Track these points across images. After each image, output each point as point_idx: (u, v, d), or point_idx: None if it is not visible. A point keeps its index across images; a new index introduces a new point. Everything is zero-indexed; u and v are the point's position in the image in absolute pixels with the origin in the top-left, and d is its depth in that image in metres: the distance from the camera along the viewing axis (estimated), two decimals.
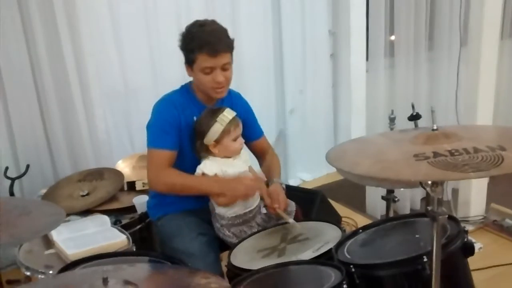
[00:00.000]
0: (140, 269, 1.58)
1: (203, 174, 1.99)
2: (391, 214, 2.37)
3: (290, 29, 3.27)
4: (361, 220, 2.93)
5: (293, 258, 1.71)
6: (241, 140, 2.05)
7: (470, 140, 1.27)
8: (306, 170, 3.58)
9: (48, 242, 1.94)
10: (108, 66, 2.78)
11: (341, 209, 2.97)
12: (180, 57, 2.65)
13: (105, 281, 1.21)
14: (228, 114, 2.00)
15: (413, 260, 1.48)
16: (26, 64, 2.57)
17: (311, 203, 2.67)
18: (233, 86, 2.13)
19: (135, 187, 2.53)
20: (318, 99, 3.49)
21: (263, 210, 2.06)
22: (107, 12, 2.72)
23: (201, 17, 2.07)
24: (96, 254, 1.75)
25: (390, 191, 2.31)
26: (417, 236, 1.72)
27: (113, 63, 2.79)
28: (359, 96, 3.43)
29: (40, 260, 1.84)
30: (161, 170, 1.97)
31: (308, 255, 1.72)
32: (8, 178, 2.45)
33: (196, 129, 2.01)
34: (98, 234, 1.97)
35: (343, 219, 2.90)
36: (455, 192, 3.25)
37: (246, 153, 2.15)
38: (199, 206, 2.07)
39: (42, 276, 1.75)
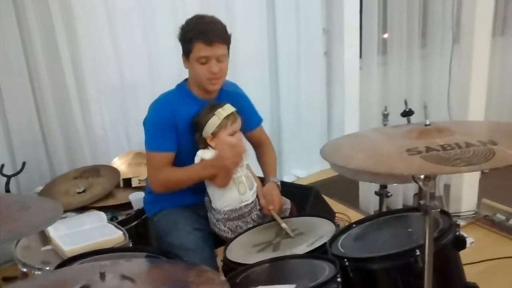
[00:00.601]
0: (137, 264, 1.59)
1: (201, 159, 2.01)
2: (384, 209, 2.40)
3: (285, 27, 3.29)
4: (354, 216, 2.95)
5: (288, 253, 1.73)
6: (238, 136, 2.07)
7: (462, 135, 1.30)
8: (300, 167, 3.61)
9: (45, 239, 1.95)
10: (104, 62, 2.79)
11: (334, 205, 2.99)
12: (176, 53, 2.67)
13: (102, 275, 1.23)
14: (227, 108, 2.02)
15: (405, 254, 1.50)
16: (22, 60, 2.57)
17: (305, 198, 2.69)
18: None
19: (131, 184, 2.54)
20: (312, 96, 3.52)
21: (259, 207, 2.09)
22: (102, 8, 2.72)
23: (196, 13, 2.09)
24: (93, 250, 1.76)
25: (383, 186, 2.34)
26: (409, 230, 1.76)
27: (109, 59, 2.80)
28: (352, 93, 3.46)
29: (37, 257, 1.84)
30: (158, 173, 2.01)
31: (302, 249, 1.75)
32: (4, 175, 2.46)
33: (195, 121, 2.03)
34: (95, 230, 1.98)
35: (336, 214, 2.93)
36: (447, 187, 3.28)
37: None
38: (195, 201, 2.09)
39: (39, 273, 1.76)
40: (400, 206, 3.64)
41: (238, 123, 2.06)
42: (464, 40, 2.98)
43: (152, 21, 2.86)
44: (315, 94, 3.52)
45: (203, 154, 2.01)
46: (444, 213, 1.67)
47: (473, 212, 3.13)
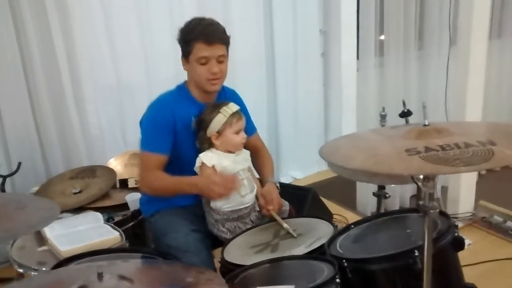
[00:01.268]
0: (134, 264, 1.59)
1: (202, 163, 2.00)
2: (382, 211, 2.39)
3: (282, 28, 3.29)
4: (352, 217, 2.95)
5: (286, 254, 1.73)
6: (243, 134, 2.06)
7: (461, 136, 1.29)
8: (298, 168, 3.60)
9: (41, 239, 1.94)
10: (100, 62, 2.78)
11: (332, 207, 2.99)
12: (173, 53, 2.67)
13: (100, 276, 1.22)
14: (232, 106, 2.03)
15: (404, 254, 1.50)
16: (18, 60, 2.55)
17: (302, 200, 2.68)
18: (225, 84, 2.15)
19: (127, 185, 2.53)
20: (309, 97, 3.52)
21: (258, 208, 2.08)
22: (99, 8, 2.71)
23: (193, 14, 2.10)
24: (90, 250, 1.75)
25: (381, 188, 2.33)
26: (408, 231, 1.75)
27: (105, 59, 2.79)
28: (349, 95, 3.46)
29: (33, 257, 1.83)
30: (149, 174, 2.00)
31: (300, 250, 1.75)
32: None
33: (199, 120, 2.02)
34: (91, 230, 1.97)
35: (334, 216, 2.92)
36: (444, 189, 3.28)
37: (247, 152, 2.16)
38: (192, 202, 2.08)
39: (35, 273, 1.74)
40: (397, 208, 3.63)
41: (243, 121, 2.06)
42: (461, 42, 2.99)
43: (149, 21, 2.85)
44: (312, 95, 3.52)
45: (205, 158, 2.00)
46: (442, 214, 1.67)
47: (470, 214, 3.14)
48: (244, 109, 2.24)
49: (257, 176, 2.23)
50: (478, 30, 2.88)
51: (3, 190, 2.44)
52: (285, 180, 3.49)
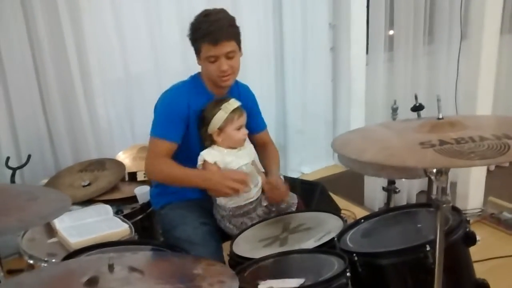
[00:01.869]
0: (144, 256, 1.59)
1: (204, 161, 1.99)
2: (391, 206, 2.38)
3: (291, 21, 3.27)
4: (359, 212, 2.93)
5: (295, 247, 1.72)
6: (244, 130, 2.06)
7: (475, 129, 1.28)
8: (305, 163, 3.59)
9: (51, 231, 1.95)
10: (109, 55, 2.77)
11: (339, 201, 2.98)
12: (181, 46, 2.67)
13: (111, 267, 1.22)
14: (233, 103, 2.02)
15: (416, 249, 1.49)
16: (27, 53, 2.55)
17: (311, 194, 2.68)
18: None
19: (136, 178, 2.53)
20: (317, 92, 3.50)
21: (264, 203, 2.07)
22: (108, 1, 2.70)
23: (202, 6, 2.08)
24: (99, 242, 1.75)
25: (391, 182, 2.32)
26: (418, 226, 1.74)
27: (114, 52, 2.78)
28: (358, 89, 3.44)
29: (43, 249, 1.85)
30: (157, 160, 1.99)
31: (310, 244, 1.74)
32: (9, 168, 2.45)
33: (201, 117, 2.02)
34: (101, 223, 1.98)
35: (342, 211, 2.91)
36: (453, 185, 3.26)
37: (251, 146, 2.16)
38: (201, 195, 2.08)
39: (45, 265, 1.75)
40: (404, 204, 3.62)
41: (244, 118, 2.06)
42: (472, 37, 2.96)
43: (158, 14, 2.84)
44: (321, 90, 3.50)
45: (207, 156, 2.00)
46: (454, 209, 1.66)
47: (479, 210, 3.12)
48: (256, 105, 2.25)
49: (262, 170, 2.22)
50: (490, 25, 2.86)
51: (13, 182, 2.44)
52: (293, 175, 3.48)
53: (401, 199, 3.64)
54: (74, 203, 2.28)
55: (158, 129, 2.01)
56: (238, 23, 2.04)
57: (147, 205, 2.32)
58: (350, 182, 3.35)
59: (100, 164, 2.59)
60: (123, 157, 2.72)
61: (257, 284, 1.47)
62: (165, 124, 2.00)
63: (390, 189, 2.32)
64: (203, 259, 1.50)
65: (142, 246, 1.80)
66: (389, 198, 2.34)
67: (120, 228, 1.93)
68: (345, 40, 3.40)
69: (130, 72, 2.86)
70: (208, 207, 2.08)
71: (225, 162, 2.00)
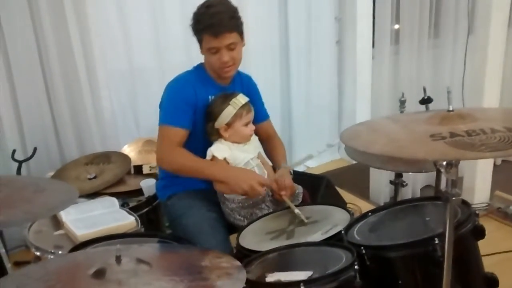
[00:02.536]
0: (151, 249, 1.58)
1: (213, 156, 1.99)
2: (399, 199, 2.37)
3: (296, 15, 3.25)
4: (365, 206, 2.92)
5: (302, 240, 1.71)
6: (252, 126, 2.06)
7: (486, 121, 1.27)
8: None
9: (57, 223, 1.95)
10: (113, 47, 2.77)
11: (345, 195, 2.97)
12: (185, 38, 2.65)
13: (118, 259, 1.22)
14: (241, 98, 2.01)
15: (424, 242, 1.48)
16: (33, 47, 2.55)
17: (316, 188, 2.67)
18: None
19: (142, 171, 2.54)
20: (323, 85, 3.48)
21: (270, 193, 2.06)
22: None
23: None
24: (105, 235, 1.75)
25: (398, 176, 2.31)
26: (426, 219, 1.73)
27: (118, 44, 2.78)
28: (364, 83, 3.42)
29: (49, 241, 1.85)
30: (172, 149, 1.97)
31: (317, 237, 1.73)
32: (15, 160, 2.45)
33: (208, 112, 2.01)
34: (107, 215, 1.98)
35: (347, 205, 2.90)
36: (459, 179, 3.21)
37: (256, 138, 2.15)
38: (207, 186, 2.07)
39: (52, 256, 1.75)
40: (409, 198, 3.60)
41: (252, 114, 2.06)
42: (479, 31, 2.95)
43: (162, 6, 2.84)
44: (326, 83, 3.48)
45: (216, 151, 1.99)
46: (463, 202, 1.65)
47: (485, 204, 3.11)
48: (258, 95, 2.24)
49: (270, 163, 2.21)
50: (498, 19, 2.84)
51: (19, 175, 2.45)
52: (298, 168, 3.46)
53: (406, 193, 3.62)
54: (80, 196, 2.28)
55: (169, 116, 2.00)
56: (243, 16, 2.03)
57: (153, 198, 2.32)
58: (355, 176, 3.34)
59: (106, 157, 2.59)
60: (128, 150, 2.72)
61: (265, 277, 1.46)
62: (175, 111, 2.00)
63: (397, 183, 2.32)
64: (211, 251, 1.50)
65: (148, 239, 1.81)
66: (396, 192, 2.33)
67: (126, 221, 1.93)
68: (351, 34, 3.37)
69: (135, 64, 2.86)
70: (214, 198, 2.07)
71: (234, 157, 1.99)
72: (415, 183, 3.73)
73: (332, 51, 3.45)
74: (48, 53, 2.58)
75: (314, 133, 3.53)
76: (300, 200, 2.10)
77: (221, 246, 1.87)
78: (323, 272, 1.43)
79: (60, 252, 1.76)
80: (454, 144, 1.15)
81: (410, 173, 2.77)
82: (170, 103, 2.02)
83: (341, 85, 3.56)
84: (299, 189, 2.13)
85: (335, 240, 1.67)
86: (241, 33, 2.01)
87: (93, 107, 2.73)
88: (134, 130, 2.92)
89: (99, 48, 2.69)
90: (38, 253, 1.77)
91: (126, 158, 2.58)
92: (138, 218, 1.96)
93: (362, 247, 1.55)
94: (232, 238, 1.97)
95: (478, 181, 3.12)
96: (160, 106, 2.07)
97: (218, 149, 2.00)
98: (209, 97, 2.04)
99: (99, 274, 1.18)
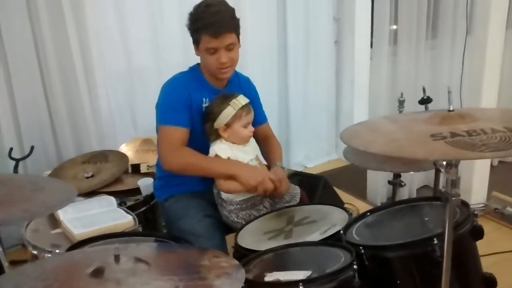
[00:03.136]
0: (150, 248, 1.58)
1: (216, 155, 1.98)
2: (396, 199, 2.37)
3: (295, 14, 3.24)
4: (362, 206, 2.92)
5: (300, 240, 1.71)
6: (251, 128, 2.05)
7: (486, 121, 1.27)
8: (308, 157, 3.58)
9: (54, 222, 1.94)
10: (111, 47, 2.76)
11: (342, 195, 2.95)
12: (183, 38, 2.64)
13: (117, 258, 1.21)
14: (241, 99, 2.00)
15: (423, 242, 1.48)
16: (31, 45, 2.54)
17: (314, 188, 2.67)
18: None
19: (139, 170, 2.52)
20: (321, 85, 3.48)
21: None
22: None
23: None
24: (103, 234, 1.74)
25: (397, 176, 2.31)
26: (425, 219, 1.73)
27: (116, 44, 2.77)
28: (362, 83, 3.43)
29: (46, 239, 1.84)
30: (176, 149, 1.95)
31: (315, 237, 1.73)
32: (12, 159, 2.44)
33: (208, 111, 2.00)
34: (105, 214, 1.97)
35: (344, 205, 2.90)
36: (456, 179, 3.25)
37: (253, 140, 2.15)
38: (205, 187, 2.06)
39: (49, 255, 1.74)
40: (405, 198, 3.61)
41: (252, 115, 2.04)
42: (477, 32, 2.95)
43: (160, 6, 2.83)
44: (324, 83, 3.48)
45: (219, 150, 1.98)
46: (462, 202, 1.64)
47: (482, 205, 3.11)
48: (257, 97, 2.23)
49: (265, 163, 2.21)
50: (496, 20, 2.85)
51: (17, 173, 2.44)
52: (295, 168, 3.47)
53: (402, 194, 3.62)
54: (78, 195, 2.26)
55: (168, 117, 1.98)
56: (241, 16, 2.02)
57: (150, 197, 2.31)
58: (352, 176, 3.34)
59: (103, 156, 2.58)
60: (126, 149, 2.71)
61: (263, 276, 1.46)
62: (172, 111, 1.98)
63: (396, 183, 2.32)
64: (209, 251, 1.49)
65: (146, 238, 1.80)
66: (394, 192, 2.33)
67: (124, 220, 1.92)
68: (349, 34, 3.38)
69: (132, 64, 2.84)
70: (211, 199, 2.07)
71: (236, 157, 1.99)
72: (412, 183, 3.74)
73: (330, 51, 3.45)
74: (46, 52, 2.56)
75: (311, 133, 3.53)
76: (298, 200, 2.10)
77: (217, 250, 1.85)
78: (321, 272, 1.43)
79: (57, 251, 1.75)
80: (455, 144, 1.15)
81: (407, 173, 2.77)
82: (166, 103, 2.01)
83: (339, 85, 3.56)
84: (297, 189, 2.13)
85: (333, 240, 1.67)
86: (238, 35, 2.00)
87: (90, 106, 2.72)
88: (131, 129, 2.91)
89: (97, 47, 2.68)
90: (35, 252, 1.76)
91: (123, 157, 2.57)
92: (135, 217, 1.95)
93: (361, 247, 1.55)
94: (230, 237, 1.97)
95: (475, 181, 3.13)
96: (156, 107, 2.05)
97: (221, 148, 1.99)
98: (203, 99, 2.02)
99: (98, 273, 1.17)
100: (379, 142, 1.31)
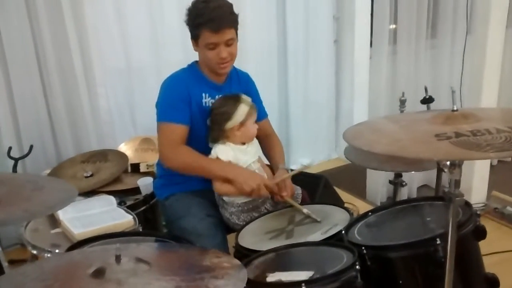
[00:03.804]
0: (150, 248, 1.57)
1: (217, 158, 1.97)
2: (397, 199, 2.37)
3: (294, 13, 3.23)
4: (362, 206, 2.91)
5: (302, 240, 1.70)
6: (256, 125, 2.06)
7: (490, 121, 1.26)
8: (307, 156, 3.57)
9: (54, 222, 1.93)
10: (111, 46, 2.75)
11: (341, 195, 2.95)
12: (182, 36, 2.63)
13: (117, 258, 1.20)
14: (246, 97, 2.01)
15: (426, 242, 1.48)
16: (29, 43, 2.53)
17: (314, 187, 2.66)
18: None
19: (139, 169, 2.51)
20: (320, 85, 3.47)
21: (269, 196, 2.05)
22: None
23: None
24: (103, 234, 1.73)
25: (398, 175, 2.30)
26: (427, 219, 1.73)
27: (115, 42, 2.76)
28: (362, 82, 3.42)
29: (46, 239, 1.83)
30: (176, 147, 1.96)
31: (316, 237, 1.72)
32: (11, 158, 2.43)
33: (219, 112, 1.98)
34: (105, 214, 1.96)
35: (344, 204, 2.89)
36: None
37: (256, 141, 2.15)
38: (206, 187, 2.05)
39: (49, 255, 1.73)
40: (405, 198, 3.60)
41: (256, 112, 2.05)
42: (477, 31, 2.95)
43: (159, 4, 2.82)
44: (324, 83, 3.47)
45: (220, 153, 1.97)
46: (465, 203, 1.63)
47: (482, 205, 3.10)
48: (256, 93, 2.23)
49: (267, 162, 2.20)
50: (496, 19, 2.84)
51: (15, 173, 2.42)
52: (295, 167, 3.46)
53: (403, 193, 3.62)
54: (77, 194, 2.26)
55: (168, 114, 1.98)
56: (241, 15, 2.02)
57: (150, 196, 2.30)
58: (352, 175, 3.33)
59: (102, 155, 2.57)
60: (125, 148, 2.70)
61: (265, 277, 1.45)
62: (172, 108, 1.98)
63: (397, 183, 2.31)
64: (210, 251, 1.48)
65: (146, 238, 1.79)
66: (395, 192, 2.32)
67: (124, 219, 1.91)
68: (349, 33, 3.37)
69: (132, 62, 2.84)
70: (212, 199, 2.06)
71: (237, 160, 1.99)
72: (412, 182, 3.73)
73: (330, 50, 3.44)
74: (45, 51, 2.55)
75: (311, 132, 3.52)
76: (300, 201, 2.09)
77: (218, 250, 1.84)
78: (323, 272, 1.42)
79: (57, 250, 1.73)
80: (459, 144, 1.14)
81: (407, 172, 2.77)
82: (166, 100, 2.01)
83: (339, 84, 3.55)
84: (298, 190, 2.12)
85: (335, 240, 1.66)
86: (237, 30, 2.00)
87: (89, 104, 2.71)
88: (131, 128, 2.90)
89: (96, 45, 2.67)
90: (34, 252, 1.75)
91: (123, 156, 2.56)
92: (135, 217, 1.94)
93: (363, 247, 1.54)
94: (230, 237, 1.96)
95: (475, 181, 3.12)
96: (156, 105, 2.05)
97: (222, 151, 1.98)
98: (203, 95, 2.03)
99: (99, 273, 1.16)
100: (382, 142, 1.30)
